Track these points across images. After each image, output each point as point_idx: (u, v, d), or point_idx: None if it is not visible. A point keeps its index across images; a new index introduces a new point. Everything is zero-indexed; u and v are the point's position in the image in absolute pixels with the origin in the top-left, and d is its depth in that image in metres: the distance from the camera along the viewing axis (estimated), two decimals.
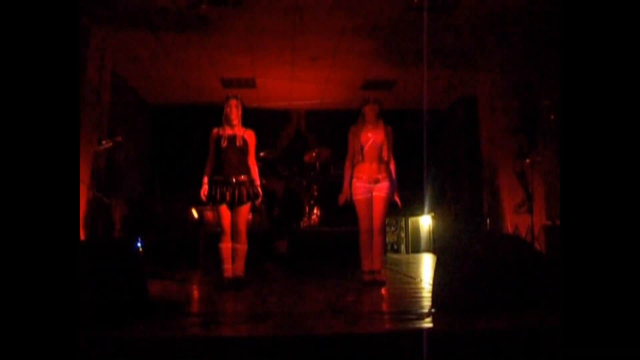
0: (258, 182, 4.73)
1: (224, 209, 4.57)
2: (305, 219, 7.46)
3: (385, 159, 4.76)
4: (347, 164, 4.86)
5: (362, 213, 4.72)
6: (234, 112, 4.68)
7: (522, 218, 5.65)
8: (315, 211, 7.66)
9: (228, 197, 4.53)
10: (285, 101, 9.45)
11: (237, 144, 4.61)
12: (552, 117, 5.14)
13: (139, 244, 7.13)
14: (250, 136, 4.74)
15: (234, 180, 4.56)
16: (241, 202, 4.56)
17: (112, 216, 6.85)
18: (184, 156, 9.11)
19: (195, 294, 4.64)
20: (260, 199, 4.76)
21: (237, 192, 4.55)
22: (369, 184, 4.70)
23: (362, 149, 4.73)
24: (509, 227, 5.80)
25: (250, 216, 4.64)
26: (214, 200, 4.58)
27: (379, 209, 4.71)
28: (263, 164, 8.12)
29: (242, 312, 3.50)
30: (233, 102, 4.71)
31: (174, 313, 3.35)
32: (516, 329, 2.82)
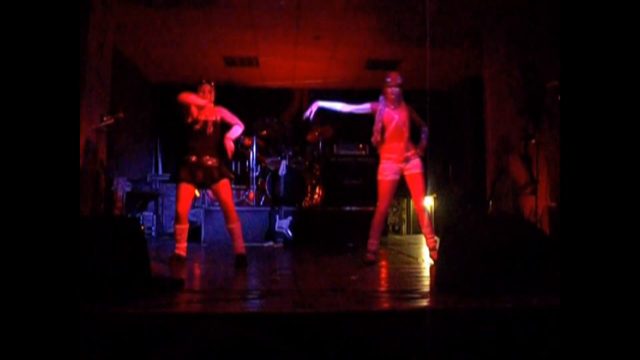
0: (232, 148, 4.79)
1: (184, 191, 4.63)
2: (307, 198, 7.45)
3: (409, 136, 4.75)
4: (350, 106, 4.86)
5: (383, 194, 4.70)
6: (208, 97, 4.73)
7: (526, 200, 5.64)
8: (317, 190, 7.64)
9: (200, 178, 4.61)
10: (288, 80, 9.38)
11: (207, 128, 4.66)
12: (559, 98, 5.08)
13: (140, 222, 7.14)
14: (222, 112, 4.78)
15: (203, 163, 4.61)
16: (213, 181, 4.60)
17: (113, 193, 6.84)
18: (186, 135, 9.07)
19: (198, 271, 4.65)
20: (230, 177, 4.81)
21: (205, 173, 4.61)
22: (400, 164, 4.68)
23: (386, 128, 4.69)
24: (512, 209, 5.79)
25: (229, 195, 4.70)
26: (179, 179, 4.65)
27: (418, 186, 4.71)
28: (265, 143, 8.11)
29: (245, 289, 3.50)
30: (206, 87, 4.75)
31: (177, 290, 3.35)
32: (519, 309, 2.82)
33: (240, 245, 4.62)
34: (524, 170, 5.71)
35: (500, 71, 6.37)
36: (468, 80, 8.78)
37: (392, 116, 4.69)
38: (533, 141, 5.44)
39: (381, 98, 4.77)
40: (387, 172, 4.67)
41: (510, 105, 6.09)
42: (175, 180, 4.76)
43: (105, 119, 5.70)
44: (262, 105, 9.47)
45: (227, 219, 4.64)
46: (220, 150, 4.77)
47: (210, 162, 4.63)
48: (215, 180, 4.60)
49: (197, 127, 4.66)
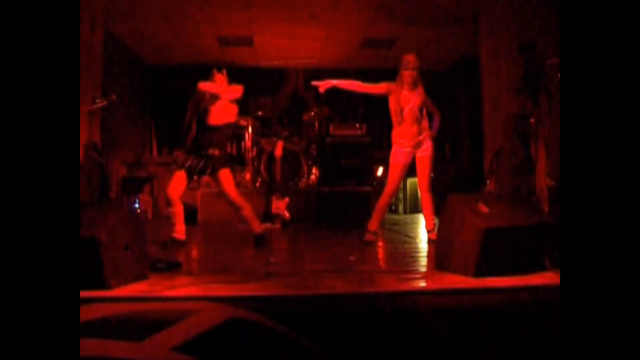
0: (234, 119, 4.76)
1: (177, 177, 4.59)
2: (304, 179, 7.42)
3: (425, 118, 4.70)
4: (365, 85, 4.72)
5: (393, 177, 4.67)
6: (222, 88, 4.64)
7: (524, 178, 5.61)
8: (314, 171, 7.61)
9: (198, 166, 4.60)
10: (283, 60, 9.28)
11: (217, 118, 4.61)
12: (559, 75, 5.03)
13: (136, 205, 7.10)
14: (234, 91, 4.69)
15: (207, 153, 4.59)
16: (213, 171, 4.58)
17: (107, 176, 6.78)
18: (181, 117, 8.99)
19: (195, 253, 4.63)
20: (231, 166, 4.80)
21: (205, 163, 4.58)
22: (412, 149, 4.63)
23: (402, 111, 4.62)
24: (510, 188, 5.77)
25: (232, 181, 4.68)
26: (176, 164, 4.67)
27: (425, 169, 4.68)
28: (261, 124, 8.05)
29: (243, 271, 3.47)
30: (219, 76, 4.68)
31: (174, 272, 3.34)
32: (519, 288, 2.81)
33: (254, 226, 4.71)
34: (522, 149, 5.68)
35: (498, 50, 6.30)
36: (464, 60, 8.71)
37: (407, 99, 4.61)
38: (532, 120, 5.39)
39: (397, 80, 4.67)
40: (398, 156, 4.63)
41: (508, 84, 6.04)
42: (174, 163, 4.72)
43: (97, 101, 5.60)
44: (257, 86, 9.37)
45: (234, 207, 4.67)
46: (224, 141, 4.75)
47: (213, 153, 4.59)
48: (215, 171, 4.59)
49: (204, 116, 4.62)
